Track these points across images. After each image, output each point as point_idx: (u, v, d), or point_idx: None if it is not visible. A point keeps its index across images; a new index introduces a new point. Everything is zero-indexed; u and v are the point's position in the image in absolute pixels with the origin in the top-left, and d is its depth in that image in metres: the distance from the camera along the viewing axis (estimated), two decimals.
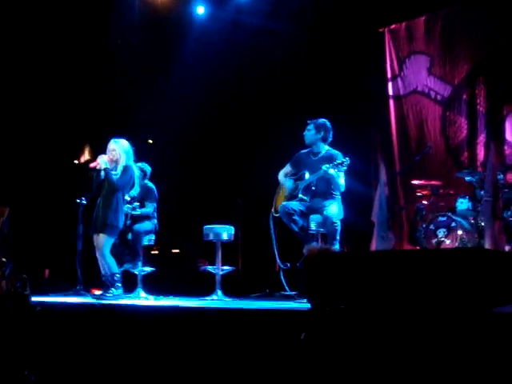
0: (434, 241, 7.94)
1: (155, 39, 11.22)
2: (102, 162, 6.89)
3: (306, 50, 10.21)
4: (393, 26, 10.28)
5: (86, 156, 11.84)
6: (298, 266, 6.31)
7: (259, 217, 8.04)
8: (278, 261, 7.32)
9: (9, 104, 9.99)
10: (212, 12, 11.05)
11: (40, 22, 9.98)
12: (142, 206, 7.89)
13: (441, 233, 7.97)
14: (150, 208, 7.92)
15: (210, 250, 8.08)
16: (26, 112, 10.22)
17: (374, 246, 8.85)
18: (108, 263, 6.82)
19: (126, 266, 7.64)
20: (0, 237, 7.58)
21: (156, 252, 9.82)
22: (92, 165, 7.05)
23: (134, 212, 7.76)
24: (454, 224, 7.91)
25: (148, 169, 8.14)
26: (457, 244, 7.71)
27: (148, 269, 7.97)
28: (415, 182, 8.97)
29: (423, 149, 9.40)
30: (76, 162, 11.83)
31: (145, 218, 7.86)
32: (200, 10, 11.11)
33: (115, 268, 6.87)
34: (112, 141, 7.06)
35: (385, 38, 10.31)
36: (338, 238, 6.62)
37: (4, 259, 5.92)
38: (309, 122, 7.00)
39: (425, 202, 8.63)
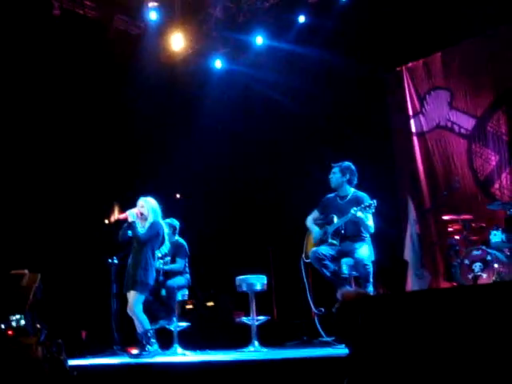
0: (471, 276, 7.78)
1: (177, 94, 11.44)
2: (130, 214, 6.95)
3: (325, 94, 10.29)
4: (410, 64, 10.35)
5: (115, 215, 11.94)
6: (333, 311, 6.23)
7: (290, 264, 8.00)
8: (312, 307, 7.25)
9: (38, 166, 10.17)
10: (230, 65, 11.24)
11: (69, 83, 10.24)
12: (174, 261, 7.91)
13: (476, 267, 7.81)
14: (180, 264, 7.93)
15: (244, 300, 8.03)
16: (55, 173, 10.38)
17: (409, 286, 8.74)
18: (140, 320, 6.82)
19: (162, 323, 7.62)
20: (34, 303, 7.62)
21: (190, 306, 9.79)
22: (121, 216, 7.11)
23: (165, 267, 7.78)
24: (489, 257, 7.76)
25: (177, 224, 8.18)
26: (494, 278, 7.55)
27: (183, 324, 7.93)
28: (446, 217, 8.85)
29: (451, 183, 9.33)
30: (106, 221, 11.93)
31: (177, 273, 7.87)
32: (218, 63, 11.30)
33: (148, 325, 6.86)
34: (141, 198, 7.17)
35: (403, 76, 10.36)
36: (371, 280, 6.55)
37: (39, 325, 5.95)
38: (333, 165, 7.01)
39: (457, 237, 8.49)
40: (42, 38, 9.70)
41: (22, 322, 7.37)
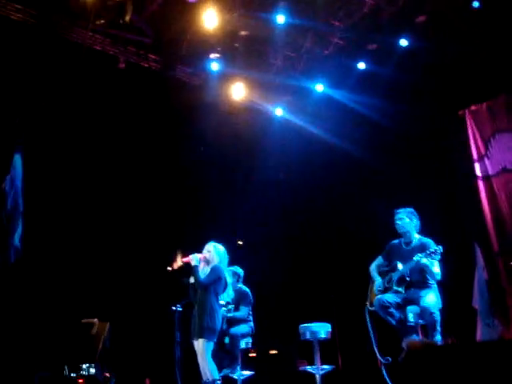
0: None
1: (238, 143, 11.58)
2: (194, 258, 6.96)
3: (387, 140, 10.26)
4: (473, 107, 10.21)
5: (178, 262, 12.06)
6: (399, 361, 6.08)
7: (354, 311, 7.87)
8: (378, 356, 7.08)
9: (105, 216, 10.42)
10: (290, 113, 11.35)
11: (132, 134, 10.55)
12: (237, 309, 7.90)
13: None
14: (243, 312, 7.92)
15: (307, 348, 7.92)
16: (120, 222, 10.61)
17: (479, 335, 8.45)
18: (210, 369, 6.75)
19: (226, 371, 7.58)
20: (103, 352, 7.73)
21: (254, 355, 9.71)
22: (184, 259, 7.12)
23: (228, 314, 7.77)
24: None
25: (241, 271, 8.20)
26: None
27: (247, 373, 7.87)
28: None
29: None
30: (169, 268, 12.05)
31: (240, 321, 7.85)
32: (278, 111, 11.42)
33: (216, 374, 6.79)
34: (210, 243, 7.17)
35: (466, 120, 10.23)
36: (438, 328, 6.38)
37: (108, 374, 6.03)
38: (397, 211, 6.91)
39: None
40: (107, 90, 10.04)
41: (92, 371, 7.47)
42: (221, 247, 7.14)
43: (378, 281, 6.91)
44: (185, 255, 7.47)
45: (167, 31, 10.24)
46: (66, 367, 7.75)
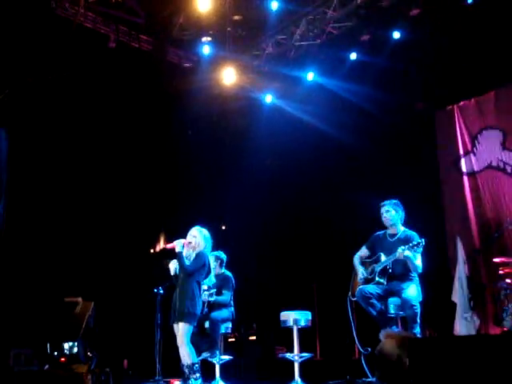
0: None
1: (226, 128, 11.58)
2: (178, 244, 6.95)
3: (375, 131, 10.28)
4: (462, 103, 10.24)
5: (161, 245, 12.06)
6: (375, 352, 6.12)
7: (335, 301, 7.92)
8: (358, 346, 7.13)
9: (88, 197, 10.39)
10: (280, 100, 11.33)
11: (120, 114, 10.50)
12: (219, 293, 7.91)
13: None
14: (226, 296, 7.93)
15: (287, 336, 7.96)
16: (103, 205, 10.57)
17: (457, 328, 8.52)
18: (188, 352, 6.77)
19: (204, 355, 7.59)
20: (86, 331, 7.71)
21: (233, 340, 9.75)
22: (168, 246, 7.11)
23: (210, 298, 7.79)
24: None
25: (224, 257, 8.20)
26: None
27: (226, 357, 7.89)
28: (497, 259, 8.63)
29: (503, 225, 9.13)
30: (152, 251, 12.05)
31: (222, 305, 7.87)
32: (268, 98, 11.40)
33: (194, 357, 6.81)
34: (195, 227, 7.14)
35: (454, 115, 10.26)
36: (418, 320, 6.44)
37: (90, 354, 6.02)
38: (383, 204, 6.93)
39: (508, 281, 8.22)
40: (96, 69, 9.96)
41: (75, 350, 7.46)
42: (206, 232, 7.13)
43: (360, 271, 6.94)
44: (169, 241, 7.46)
45: (160, 12, 10.19)
46: (48, 345, 7.74)
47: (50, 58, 9.43)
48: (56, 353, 7.64)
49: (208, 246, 7.06)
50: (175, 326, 6.85)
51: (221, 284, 7.95)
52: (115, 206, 10.66)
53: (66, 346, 7.68)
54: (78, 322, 7.73)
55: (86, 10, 9.84)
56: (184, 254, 6.91)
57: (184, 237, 7.03)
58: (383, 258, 6.71)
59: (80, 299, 8.00)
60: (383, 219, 6.89)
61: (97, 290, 9.23)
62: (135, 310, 9.85)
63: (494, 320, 8.71)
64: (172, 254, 7.09)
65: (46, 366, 7.50)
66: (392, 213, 6.84)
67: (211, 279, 7.37)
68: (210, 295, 7.80)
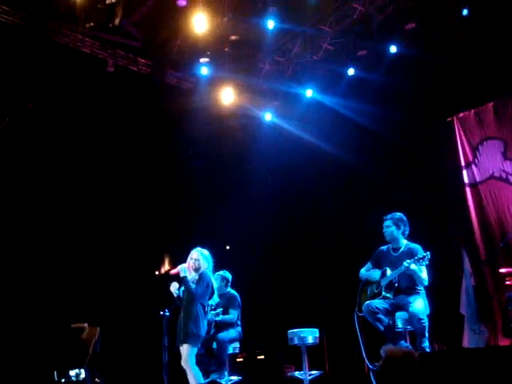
0: None
1: (227, 147, 11.59)
2: (181, 269, 6.93)
3: (376, 146, 10.31)
4: (461, 114, 10.26)
5: (166, 267, 12.03)
6: (376, 369, 6.07)
7: (342, 317, 7.87)
8: (366, 361, 7.07)
9: (89, 222, 10.38)
10: (280, 118, 11.36)
11: (121, 137, 10.53)
12: (226, 313, 7.88)
13: None
14: (233, 315, 7.90)
15: (294, 353, 7.91)
16: (104, 228, 10.56)
17: (466, 341, 8.47)
18: (193, 374, 6.73)
19: (213, 377, 7.54)
20: (93, 357, 7.65)
21: (241, 360, 9.69)
22: (173, 272, 7.10)
23: (217, 318, 7.76)
24: None
25: (229, 276, 8.18)
26: None
27: (235, 378, 7.83)
28: (503, 270, 8.58)
29: (507, 235, 9.10)
30: (157, 273, 12.02)
31: (229, 326, 7.83)
32: (267, 116, 11.43)
33: (201, 378, 6.76)
34: (195, 250, 7.14)
35: (454, 127, 10.27)
36: (426, 334, 6.37)
37: (97, 380, 5.96)
38: (385, 218, 6.91)
39: None
40: (96, 93, 10.01)
41: (82, 376, 7.39)
42: (206, 252, 7.12)
43: (376, 273, 6.86)
44: (173, 264, 7.45)
45: (157, 35, 10.25)
46: (55, 372, 7.69)
47: (49, 85, 9.49)
48: (63, 380, 7.59)
49: (209, 266, 7.05)
50: (181, 348, 6.83)
51: (227, 303, 7.93)
52: (119, 229, 10.65)
53: (73, 372, 7.63)
54: (85, 348, 7.66)
55: (83, 36, 9.90)
56: (189, 277, 6.91)
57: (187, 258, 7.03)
58: (389, 272, 6.68)
59: (86, 325, 7.94)
60: (384, 234, 6.89)
61: (102, 314, 9.19)
62: (142, 333, 9.81)
63: (503, 331, 8.65)
64: (177, 277, 7.08)
65: None
66: (392, 228, 6.81)
67: (215, 299, 7.35)
68: (217, 315, 7.78)
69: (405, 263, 6.35)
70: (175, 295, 6.98)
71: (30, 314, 8.87)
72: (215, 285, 7.24)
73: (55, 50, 9.61)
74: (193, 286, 6.89)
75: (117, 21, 9.63)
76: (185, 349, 6.76)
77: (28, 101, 9.43)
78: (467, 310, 8.68)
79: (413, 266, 6.35)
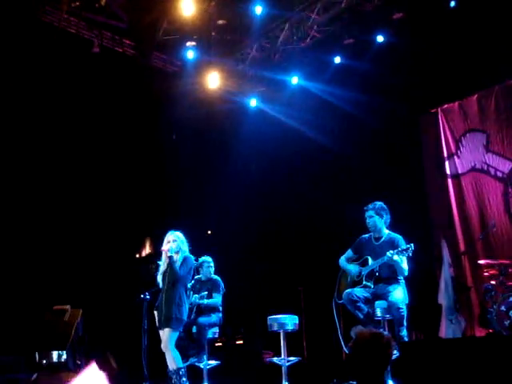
0: (507, 322, 7.59)
1: (212, 132, 11.57)
2: (170, 249, 6.91)
3: (359, 134, 10.33)
4: (445, 106, 10.32)
5: (147, 250, 12.01)
6: (346, 350, 6.14)
7: (322, 304, 7.92)
8: (343, 348, 7.13)
9: (70, 204, 10.32)
10: (265, 104, 11.35)
11: (106, 119, 10.45)
12: (210, 297, 7.93)
13: None
14: (217, 299, 7.95)
15: (272, 339, 7.95)
16: (85, 210, 10.51)
17: (443, 330, 8.57)
18: (173, 358, 6.75)
19: (192, 360, 7.58)
20: (75, 339, 7.64)
21: (220, 344, 9.73)
22: (164, 248, 7.02)
23: (201, 301, 7.79)
24: None
25: (211, 261, 8.21)
26: None
27: (213, 362, 7.87)
28: (481, 261, 8.69)
29: (487, 227, 9.20)
30: (137, 255, 11.99)
31: (210, 310, 7.87)
32: (253, 102, 11.41)
33: (180, 362, 6.79)
34: (171, 232, 7.10)
35: (438, 118, 10.33)
36: (405, 323, 6.45)
37: (79, 362, 5.96)
38: (366, 208, 6.92)
39: (493, 282, 8.28)
40: (80, 74, 9.92)
41: (64, 358, 7.37)
42: (182, 235, 7.10)
43: (351, 267, 6.91)
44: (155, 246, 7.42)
45: (143, 17, 10.14)
46: (36, 354, 7.67)
47: (33, 64, 9.38)
48: (45, 361, 7.57)
49: (187, 248, 7.04)
50: (161, 331, 6.83)
51: (211, 287, 7.98)
52: (101, 211, 10.60)
53: (55, 354, 7.62)
54: (67, 330, 7.65)
55: (69, 15, 9.79)
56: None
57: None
58: (370, 261, 6.73)
59: (68, 307, 7.92)
60: (367, 224, 6.90)
61: (85, 297, 9.17)
62: (122, 315, 9.79)
63: (480, 321, 8.77)
64: (156, 258, 7.08)
65: (35, 375, 7.44)
66: (375, 218, 6.84)
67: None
68: (201, 298, 7.80)
69: (388, 253, 6.39)
70: (169, 258, 6.86)
71: (12, 296, 8.82)
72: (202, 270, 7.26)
73: (39, 28, 9.48)
74: (178, 267, 6.87)
75: (103, 1, 9.56)
76: (166, 332, 6.76)
77: (12, 79, 9.33)
78: (445, 300, 8.77)
79: (395, 257, 6.39)
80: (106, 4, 9.62)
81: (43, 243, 9.78)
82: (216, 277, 8.17)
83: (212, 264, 8.20)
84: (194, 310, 7.68)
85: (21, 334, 7.87)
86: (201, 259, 8.07)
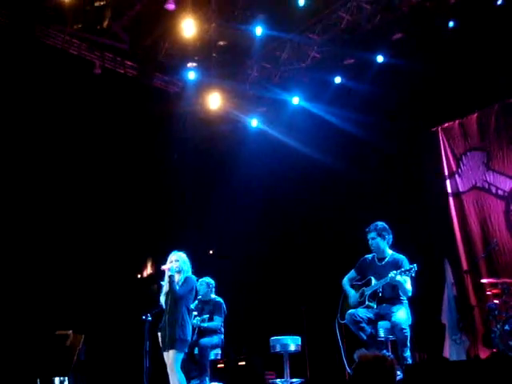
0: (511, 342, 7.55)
1: (211, 152, 11.59)
2: (171, 268, 6.90)
3: (360, 154, 10.35)
4: (446, 125, 10.35)
5: (148, 270, 11.99)
6: (349, 372, 6.10)
7: (324, 324, 7.88)
8: (347, 369, 7.09)
9: (69, 223, 10.32)
10: (266, 124, 11.39)
11: (107, 139, 10.48)
12: (211, 319, 7.88)
13: None
14: (217, 322, 7.91)
15: (275, 360, 7.91)
16: (86, 233, 10.50)
17: (447, 350, 8.52)
18: (178, 380, 6.69)
19: (194, 382, 7.53)
20: (77, 364, 7.57)
21: (222, 366, 9.67)
22: (164, 267, 7.01)
23: (203, 324, 7.75)
24: None
25: (213, 282, 8.18)
26: None
27: None
28: (484, 280, 8.67)
29: (489, 245, 9.19)
30: (139, 276, 11.97)
31: (211, 332, 7.83)
32: (254, 122, 11.45)
33: None
34: (174, 252, 7.11)
35: (439, 137, 10.36)
36: (408, 344, 6.40)
37: None
38: (368, 229, 6.90)
39: (496, 301, 8.25)
40: (82, 95, 9.97)
41: None
42: (184, 255, 7.09)
43: (352, 293, 6.91)
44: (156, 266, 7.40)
45: (145, 38, 10.22)
46: (38, 380, 7.61)
47: (36, 85, 9.44)
48: None
49: (189, 268, 7.03)
50: (165, 354, 6.79)
51: (212, 309, 7.94)
52: (103, 232, 10.59)
53: (57, 380, 7.56)
54: (69, 356, 7.58)
55: (71, 37, 9.86)
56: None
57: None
58: (373, 281, 6.70)
59: (71, 332, 7.86)
60: (370, 246, 6.89)
61: (86, 319, 9.12)
62: (124, 337, 9.75)
63: (484, 341, 8.72)
64: (159, 279, 7.06)
65: None
66: (377, 239, 6.82)
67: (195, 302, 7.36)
68: (203, 321, 7.77)
69: (391, 274, 6.37)
70: (170, 277, 6.85)
71: (13, 321, 8.78)
72: (200, 291, 7.24)
73: (42, 50, 9.55)
74: (177, 287, 6.86)
75: (105, 23, 9.63)
76: (171, 354, 6.71)
77: (15, 101, 9.38)
78: (448, 320, 8.73)
79: (398, 278, 6.37)
80: (108, 26, 9.68)
81: (44, 267, 9.76)
82: (218, 298, 8.13)
83: (212, 285, 8.16)
84: (196, 331, 7.64)
85: (22, 360, 7.80)
86: (199, 281, 8.03)
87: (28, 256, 9.66)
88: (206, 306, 8.01)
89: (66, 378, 7.54)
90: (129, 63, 10.65)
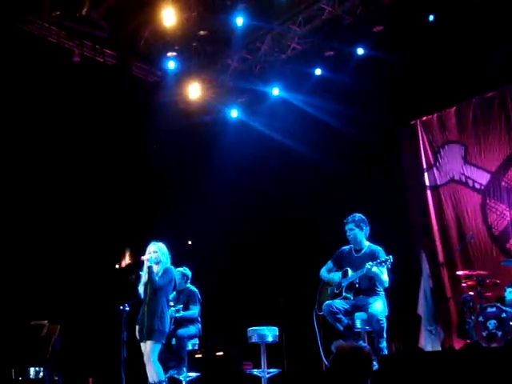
0: (485, 333, 7.62)
1: (191, 142, 11.55)
2: (150, 259, 6.88)
3: (340, 146, 10.38)
4: (424, 118, 10.41)
5: (126, 260, 11.95)
6: (327, 363, 6.14)
7: (302, 315, 7.92)
8: (324, 360, 7.13)
9: (46, 212, 10.24)
10: (246, 115, 11.38)
11: (85, 129, 10.40)
12: (187, 309, 7.87)
13: (491, 324, 7.64)
14: (194, 310, 7.89)
15: (252, 350, 7.93)
16: (64, 222, 10.43)
17: (422, 341, 8.61)
18: (156, 371, 6.70)
19: (171, 373, 7.53)
20: (52, 355, 7.53)
21: (200, 356, 9.68)
22: (143, 257, 6.99)
23: (177, 314, 7.74)
24: (504, 315, 7.59)
25: (189, 273, 8.17)
26: (510, 337, 7.40)
27: (193, 374, 7.83)
28: (460, 272, 8.77)
29: (465, 238, 9.28)
30: (117, 266, 11.93)
31: (188, 322, 7.82)
32: (234, 113, 11.44)
33: (162, 375, 6.74)
34: (153, 243, 7.09)
35: (417, 130, 10.41)
36: (384, 335, 6.46)
37: (56, 377, 5.87)
38: (346, 221, 6.93)
39: (471, 293, 8.34)
40: (60, 84, 9.87)
41: (41, 374, 7.26)
42: (163, 246, 7.08)
43: (337, 275, 6.90)
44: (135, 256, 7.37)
45: (124, 27, 10.13)
46: (12, 370, 7.56)
47: (13, 72, 9.33)
48: (21, 378, 7.46)
49: (168, 259, 7.02)
50: (143, 344, 6.79)
51: (187, 299, 7.92)
52: (80, 222, 10.53)
53: (32, 370, 7.52)
54: (44, 346, 7.53)
55: (50, 24, 9.75)
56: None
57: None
58: (350, 273, 6.74)
59: (46, 322, 7.81)
60: (348, 237, 6.92)
61: (62, 309, 9.07)
62: (101, 328, 9.72)
63: (458, 332, 8.82)
64: (138, 269, 7.03)
65: None
66: (355, 230, 6.86)
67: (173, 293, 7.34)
68: (177, 311, 7.75)
69: (367, 265, 6.42)
70: (149, 268, 6.82)
71: None
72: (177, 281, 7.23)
73: (19, 37, 9.43)
74: (156, 278, 6.85)
75: (84, 10, 9.53)
76: (148, 345, 6.72)
77: None
78: (424, 311, 8.82)
79: (374, 269, 6.42)
80: (87, 13, 9.57)
81: (20, 256, 9.68)
82: (192, 287, 8.11)
83: (187, 275, 8.14)
84: (172, 321, 7.62)
85: None
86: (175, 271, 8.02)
87: (2, 245, 9.56)
88: (181, 296, 8.00)
89: (42, 368, 7.50)
90: (108, 52, 10.56)
